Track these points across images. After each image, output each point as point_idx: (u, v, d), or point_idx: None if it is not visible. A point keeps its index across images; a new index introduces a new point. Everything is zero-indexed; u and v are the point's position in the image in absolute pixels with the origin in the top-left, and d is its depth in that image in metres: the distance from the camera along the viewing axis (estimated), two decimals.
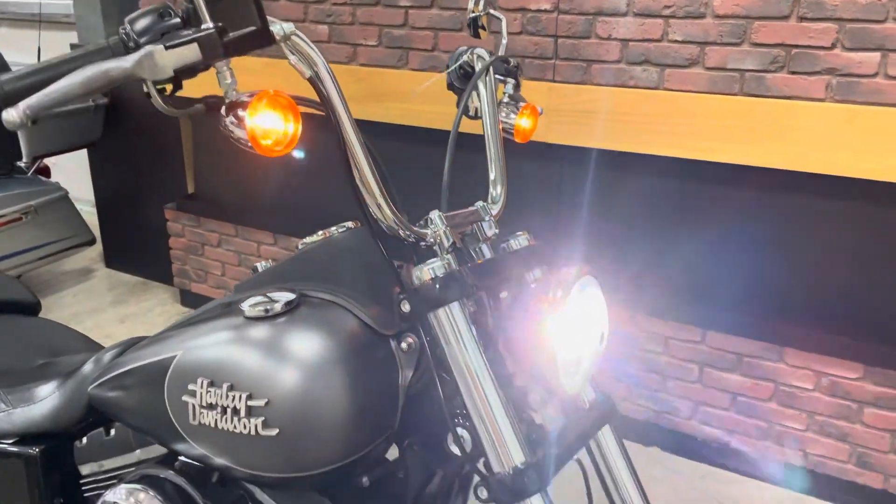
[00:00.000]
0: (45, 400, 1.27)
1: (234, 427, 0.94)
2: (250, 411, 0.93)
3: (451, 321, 0.88)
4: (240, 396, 0.93)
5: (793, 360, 2.24)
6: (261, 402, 0.93)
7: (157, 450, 1.14)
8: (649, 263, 2.40)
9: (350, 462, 0.96)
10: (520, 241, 1.02)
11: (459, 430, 0.94)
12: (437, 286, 0.87)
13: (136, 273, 3.85)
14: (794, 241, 2.19)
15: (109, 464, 1.20)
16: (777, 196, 2.18)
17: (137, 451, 1.17)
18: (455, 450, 0.95)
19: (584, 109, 2.30)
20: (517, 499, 0.85)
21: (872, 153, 1.96)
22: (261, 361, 0.94)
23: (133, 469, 1.14)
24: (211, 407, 0.96)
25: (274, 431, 0.93)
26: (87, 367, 1.23)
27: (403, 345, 0.97)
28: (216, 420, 0.96)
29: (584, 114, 2.30)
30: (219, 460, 0.98)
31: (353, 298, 0.98)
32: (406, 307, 0.90)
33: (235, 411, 0.94)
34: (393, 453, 1.06)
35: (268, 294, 0.99)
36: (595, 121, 2.28)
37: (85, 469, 1.24)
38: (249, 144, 0.76)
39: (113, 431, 1.20)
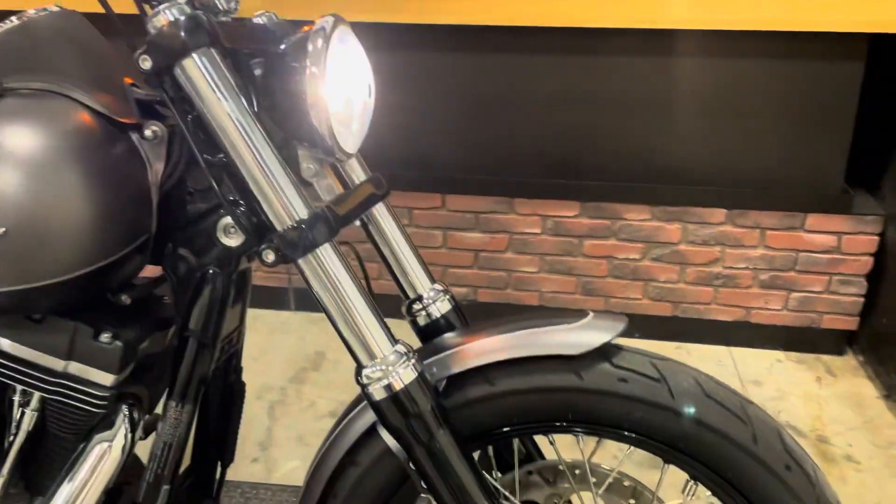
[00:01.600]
0: None
1: None
2: None
3: (204, 70, 0.80)
4: None
5: (522, 208, 2.47)
6: None
7: None
8: (388, 137, 2.45)
9: (98, 272, 0.86)
10: (267, 16, 0.96)
11: (228, 220, 0.90)
12: (182, 31, 0.78)
13: None
14: (511, 98, 2.38)
15: None
16: (489, 57, 2.35)
17: None
18: (228, 241, 0.91)
19: None
20: (307, 251, 0.83)
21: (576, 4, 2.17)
22: None
23: None
24: None
25: (1, 230, 0.81)
26: None
27: (148, 133, 0.89)
28: None
29: None
30: None
31: (77, 86, 0.87)
32: (146, 63, 0.80)
33: None
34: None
35: None
36: None
37: None
38: None
39: None
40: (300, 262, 0.84)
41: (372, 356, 0.86)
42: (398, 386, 0.85)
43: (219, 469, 1.14)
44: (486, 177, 2.46)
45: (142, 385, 0.99)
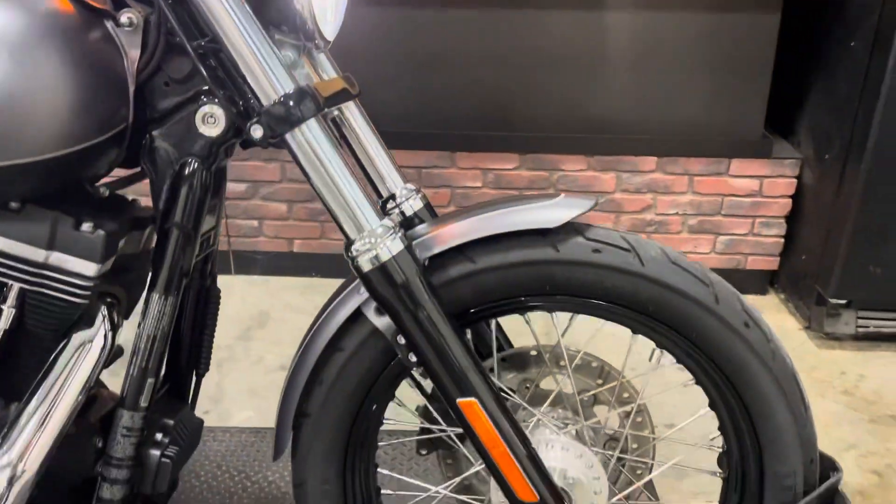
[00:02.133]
0: None
1: None
2: None
3: None
4: None
5: (463, 162, 2.52)
6: None
7: None
8: None
9: (74, 157, 0.86)
10: None
11: (208, 108, 0.91)
12: None
13: None
14: (449, 53, 2.43)
15: None
16: (428, 13, 2.38)
17: None
18: (207, 130, 0.92)
19: None
20: (295, 125, 0.85)
21: None
22: None
23: None
24: None
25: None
26: None
27: (123, 19, 0.89)
28: None
29: None
30: None
31: None
32: None
33: None
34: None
35: None
36: None
37: None
38: None
39: None
40: (287, 136, 0.86)
41: (360, 229, 0.89)
42: (386, 256, 0.88)
43: (194, 378, 1.14)
44: (427, 131, 2.50)
45: (119, 286, 0.99)
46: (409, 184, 1.11)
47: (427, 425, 1.10)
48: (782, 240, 2.53)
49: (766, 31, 2.33)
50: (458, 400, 0.91)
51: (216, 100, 0.91)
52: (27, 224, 0.90)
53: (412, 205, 1.09)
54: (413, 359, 0.94)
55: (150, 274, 0.97)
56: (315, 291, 2.62)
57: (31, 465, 0.92)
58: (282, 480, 1.67)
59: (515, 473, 0.92)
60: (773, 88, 2.39)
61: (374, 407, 1.05)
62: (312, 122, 0.86)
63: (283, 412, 1.03)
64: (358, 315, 0.98)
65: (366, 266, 0.89)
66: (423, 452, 1.13)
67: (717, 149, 2.43)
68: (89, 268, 0.91)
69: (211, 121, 0.92)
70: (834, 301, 2.24)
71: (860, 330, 2.27)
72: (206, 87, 0.92)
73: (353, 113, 1.07)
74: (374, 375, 1.01)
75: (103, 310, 0.96)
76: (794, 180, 2.44)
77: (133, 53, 0.90)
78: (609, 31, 2.38)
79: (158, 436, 1.00)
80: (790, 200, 2.47)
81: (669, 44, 2.37)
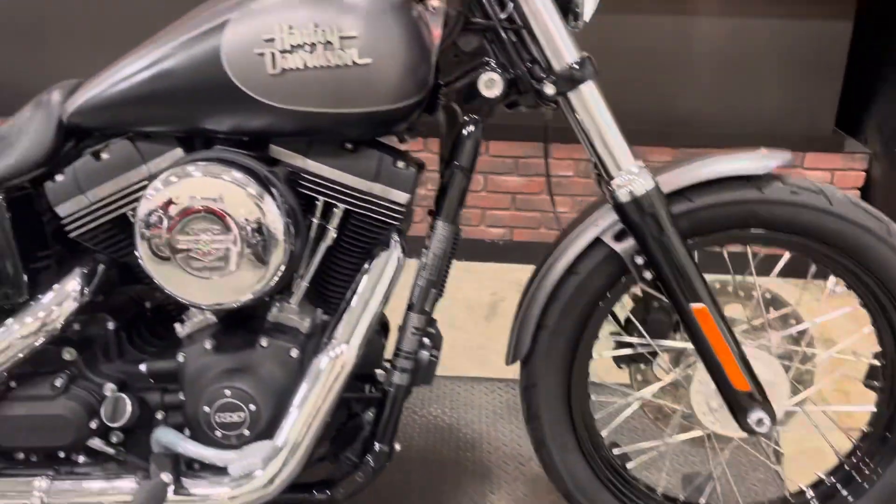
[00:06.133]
0: None
1: (328, 60, 1.03)
2: (343, 43, 1.02)
3: None
4: (330, 30, 1.02)
5: (557, 153, 2.76)
6: (353, 33, 1.02)
7: (174, 155, 1.13)
8: None
9: (409, 107, 1.09)
10: None
11: (491, 75, 1.14)
12: None
13: None
14: None
15: (107, 188, 1.14)
16: None
17: (147, 164, 1.13)
18: (488, 92, 1.15)
19: None
20: (578, 83, 1.10)
21: None
22: (344, 1, 1.03)
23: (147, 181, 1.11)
24: (296, 48, 1.02)
25: (368, 60, 1.03)
26: (54, 97, 1.14)
27: (433, 3, 1.13)
28: (305, 60, 1.02)
29: None
30: (305, 107, 1.05)
31: None
32: None
33: (328, 45, 1.02)
34: None
35: None
36: None
37: (66, 207, 1.15)
38: None
39: (105, 155, 1.14)
40: (571, 93, 1.11)
41: (619, 168, 1.13)
42: (640, 191, 1.12)
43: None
44: (523, 123, 2.73)
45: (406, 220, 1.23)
46: (639, 160, 1.31)
47: (629, 340, 1.32)
48: None
49: (838, 37, 2.58)
50: (692, 305, 1.14)
51: (497, 69, 1.14)
52: (359, 160, 1.13)
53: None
54: (648, 276, 1.17)
55: (435, 204, 1.20)
56: None
57: (351, 351, 1.16)
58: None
59: (734, 367, 1.16)
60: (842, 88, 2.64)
61: (595, 322, 1.28)
62: (591, 83, 1.11)
63: (523, 324, 1.26)
64: (595, 244, 1.22)
65: (624, 197, 1.13)
66: (622, 366, 1.36)
67: (792, 143, 2.64)
68: (403, 197, 1.15)
69: (491, 84, 1.15)
70: None
71: None
72: (488, 59, 1.15)
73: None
74: (600, 295, 1.25)
75: (395, 235, 1.19)
76: (863, 173, 2.68)
77: (437, 31, 1.14)
78: (696, 35, 2.63)
79: (426, 340, 1.23)
80: (859, 192, 2.71)
81: (751, 47, 2.62)
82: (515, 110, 1.22)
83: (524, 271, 1.34)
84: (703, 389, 1.25)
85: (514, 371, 1.32)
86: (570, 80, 1.10)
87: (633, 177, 1.12)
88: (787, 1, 2.53)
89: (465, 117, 1.18)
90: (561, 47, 1.10)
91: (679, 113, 2.70)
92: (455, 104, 1.18)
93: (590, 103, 1.12)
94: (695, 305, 1.15)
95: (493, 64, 1.15)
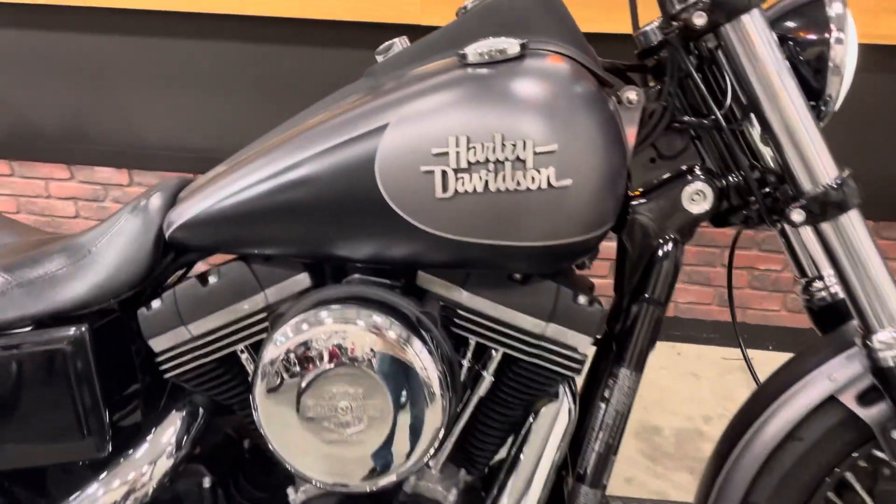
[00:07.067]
0: (69, 267, 0.91)
1: (518, 184, 0.77)
2: (538, 161, 0.77)
3: (760, 25, 0.79)
4: (522, 143, 0.76)
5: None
6: (551, 147, 0.77)
7: (299, 282, 0.89)
8: None
9: (592, 240, 0.85)
10: None
11: (699, 185, 0.89)
12: None
13: None
14: None
15: (215, 321, 0.90)
16: None
17: (265, 291, 0.89)
18: (693, 208, 0.90)
19: None
20: (838, 212, 0.82)
21: None
22: (536, 104, 0.78)
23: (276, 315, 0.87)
24: (475, 166, 0.77)
25: (567, 182, 0.78)
26: (153, 203, 0.91)
27: (632, 95, 0.87)
28: (487, 180, 0.77)
29: None
30: (478, 239, 0.80)
31: (579, 52, 0.85)
32: (700, 19, 0.79)
33: (519, 162, 0.77)
34: None
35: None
36: None
37: (162, 341, 0.91)
38: None
39: (214, 278, 0.90)
40: (824, 224, 0.83)
41: (888, 322, 0.85)
42: None
43: None
44: None
45: None
46: None
47: None
48: None
49: None
50: None
51: (707, 178, 0.89)
52: (531, 295, 0.88)
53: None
54: None
55: (614, 347, 0.94)
56: None
57: None
58: None
59: None
60: None
61: (817, 501, 0.99)
62: (855, 213, 0.83)
63: (722, 498, 0.98)
64: (826, 403, 0.93)
65: (889, 361, 0.85)
66: None
67: None
68: (584, 342, 0.89)
69: (699, 198, 0.89)
70: None
71: None
72: (694, 165, 0.90)
73: None
74: (828, 469, 0.96)
75: (564, 383, 0.93)
76: None
77: (630, 129, 0.88)
78: None
79: None
80: None
81: (882, 109, 2.31)
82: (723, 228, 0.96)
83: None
84: None
85: None
86: (826, 205, 0.83)
87: None
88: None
89: (662, 238, 0.91)
90: (815, 161, 0.83)
91: None
92: (649, 219, 0.92)
93: (851, 236, 0.84)
94: None
95: (698, 171, 0.90)
